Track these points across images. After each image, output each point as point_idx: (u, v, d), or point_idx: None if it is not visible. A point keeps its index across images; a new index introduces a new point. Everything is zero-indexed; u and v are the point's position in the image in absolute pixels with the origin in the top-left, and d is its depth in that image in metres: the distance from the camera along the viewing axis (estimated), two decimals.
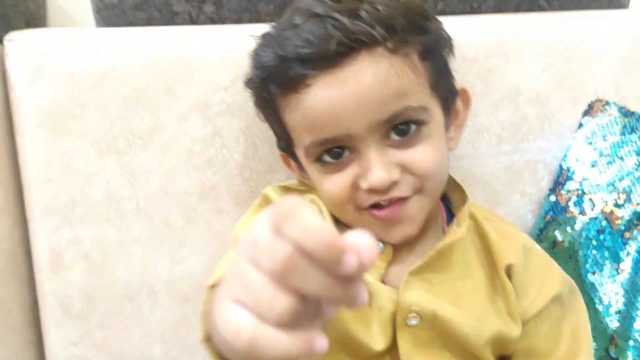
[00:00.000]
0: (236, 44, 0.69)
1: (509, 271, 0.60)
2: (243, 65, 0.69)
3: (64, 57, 0.68)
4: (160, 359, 0.75)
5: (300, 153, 0.58)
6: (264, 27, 0.72)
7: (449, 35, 0.59)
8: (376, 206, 0.55)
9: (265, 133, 0.71)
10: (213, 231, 0.73)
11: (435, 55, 0.56)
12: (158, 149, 0.71)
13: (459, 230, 0.58)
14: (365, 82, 0.50)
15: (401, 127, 0.53)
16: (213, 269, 0.73)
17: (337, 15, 0.50)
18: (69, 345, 0.73)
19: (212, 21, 0.74)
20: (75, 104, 0.69)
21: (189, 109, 0.70)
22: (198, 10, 0.73)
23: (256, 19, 0.74)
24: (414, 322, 0.56)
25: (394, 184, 0.53)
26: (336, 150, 0.54)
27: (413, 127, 0.53)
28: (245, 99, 0.70)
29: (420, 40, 0.53)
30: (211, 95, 0.70)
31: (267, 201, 0.63)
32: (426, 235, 0.61)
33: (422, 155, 0.54)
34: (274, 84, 0.54)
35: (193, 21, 0.74)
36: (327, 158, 0.55)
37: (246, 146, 0.72)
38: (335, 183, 0.55)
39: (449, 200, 0.64)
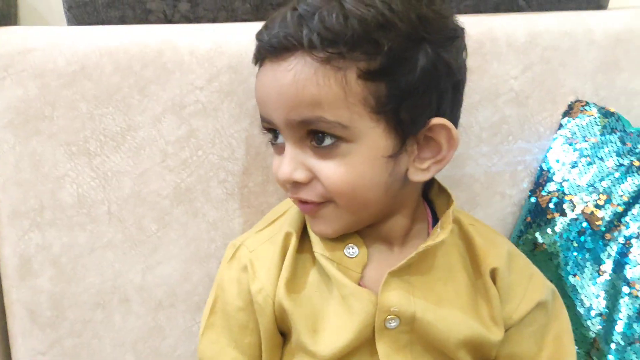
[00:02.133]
0: (212, 43, 0.68)
1: (493, 275, 0.59)
2: (219, 65, 0.69)
3: (34, 56, 0.66)
4: None
5: None
6: (239, 26, 0.71)
7: (441, 65, 0.53)
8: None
9: (241, 134, 0.70)
10: (188, 235, 0.71)
11: (391, 79, 0.51)
12: (131, 150, 0.69)
13: (442, 233, 0.57)
14: (285, 81, 0.51)
15: (318, 135, 0.53)
16: (188, 275, 0.72)
17: (289, 13, 0.51)
18: (38, 354, 0.71)
19: (187, 19, 0.73)
20: (45, 103, 0.67)
21: (163, 110, 0.69)
22: (173, 9, 0.72)
23: (232, 17, 0.73)
24: (393, 324, 0.55)
25: (299, 185, 0.55)
26: (274, 133, 0.57)
27: (328, 140, 0.52)
28: (221, 100, 0.69)
29: (367, 60, 0.50)
30: (186, 95, 0.69)
31: (237, 256, 0.62)
32: (409, 237, 0.60)
33: (331, 171, 0.53)
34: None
35: (168, 19, 0.72)
36: (271, 138, 0.58)
37: (222, 147, 0.70)
38: (275, 165, 0.58)
39: (435, 204, 0.63)
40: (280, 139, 0.56)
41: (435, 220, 0.61)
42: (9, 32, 0.69)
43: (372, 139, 0.53)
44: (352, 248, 0.58)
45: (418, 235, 0.61)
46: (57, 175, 0.68)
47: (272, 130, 0.57)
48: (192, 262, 0.72)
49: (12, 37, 0.68)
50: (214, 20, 0.73)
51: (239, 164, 0.71)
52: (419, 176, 0.56)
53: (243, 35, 0.69)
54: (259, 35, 0.55)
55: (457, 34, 0.56)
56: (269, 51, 0.53)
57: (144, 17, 0.72)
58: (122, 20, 0.72)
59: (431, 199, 0.63)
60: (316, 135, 0.53)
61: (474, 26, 0.73)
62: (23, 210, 0.68)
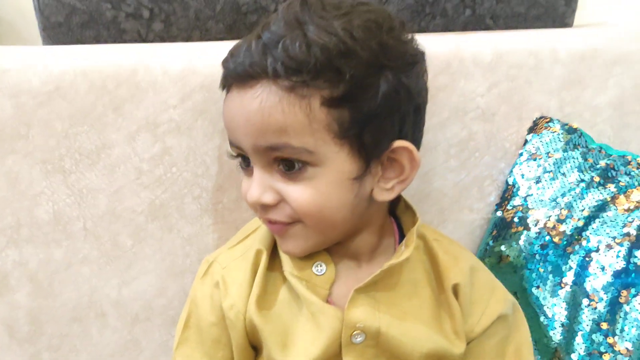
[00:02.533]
0: (185, 62, 0.69)
1: (455, 290, 0.61)
2: (192, 84, 0.70)
3: (9, 76, 0.67)
4: None
5: None
6: (212, 45, 0.73)
7: (402, 89, 0.54)
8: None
9: (215, 152, 0.72)
10: (163, 250, 0.73)
11: (353, 105, 0.52)
12: (106, 168, 0.70)
13: (406, 251, 0.59)
14: (252, 108, 0.53)
15: (285, 162, 0.54)
16: (163, 289, 0.73)
17: (254, 42, 0.53)
18: None
19: (161, 39, 0.74)
20: (20, 123, 0.68)
21: (137, 128, 0.70)
22: (147, 28, 0.73)
23: (206, 37, 0.74)
24: (359, 339, 0.57)
25: (269, 207, 0.56)
26: (242, 157, 0.58)
27: (297, 165, 0.54)
28: (194, 118, 0.70)
29: (330, 87, 0.51)
30: (160, 114, 0.70)
31: (210, 272, 0.64)
32: (376, 254, 0.62)
33: (298, 194, 0.55)
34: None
35: (142, 39, 0.74)
36: (241, 162, 0.59)
37: (196, 164, 0.72)
38: (244, 189, 0.59)
39: (401, 220, 0.65)
40: (249, 164, 0.57)
41: (402, 235, 0.63)
42: None
43: (337, 163, 0.54)
44: (320, 265, 0.60)
45: (385, 252, 0.63)
46: (33, 193, 0.69)
47: (240, 154, 0.58)
48: (167, 277, 0.73)
49: None
50: (187, 39, 0.74)
51: (212, 181, 0.72)
52: (383, 196, 0.58)
53: (216, 55, 0.69)
54: (225, 63, 0.56)
55: (417, 59, 0.57)
56: (234, 78, 0.55)
57: (119, 36, 0.73)
58: (97, 40, 0.73)
59: (398, 215, 0.65)
60: (283, 160, 0.54)
61: (442, 45, 0.75)
62: (0, 227, 0.69)
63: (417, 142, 0.59)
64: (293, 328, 0.59)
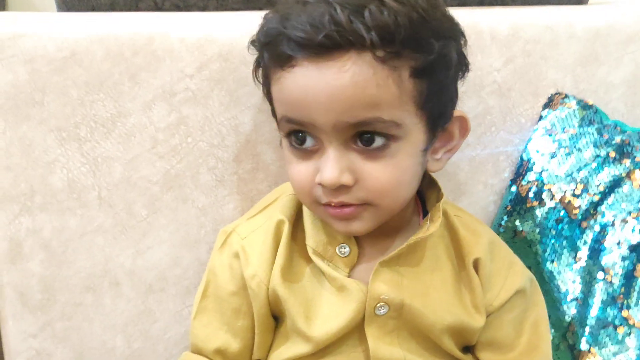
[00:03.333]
0: (203, 31, 0.69)
1: (476, 265, 0.62)
2: (209, 53, 0.69)
3: (24, 41, 0.66)
4: (122, 350, 0.74)
5: (278, 126, 0.58)
6: (230, 15, 0.72)
7: (462, 59, 0.57)
8: (330, 205, 0.55)
9: (231, 122, 0.71)
10: (178, 220, 0.72)
11: (432, 76, 0.53)
12: (121, 136, 0.70)
13: (432, 226, 0.59)
14: (342, 82, 0.49)
15: (366, 136, 0.52)
16: (178, 260, 0.73)
17: (338, 7, 0.48)
18: (28, 337, 0.71)
19: (178, 8, 0.73)
20: (35, 89, 0.67)
21: (154, 97, 0.69)
22: None
23: (222, 6, 0.74)
24: (382, 311, 0.58)
25: (344, 188, 0.53)
26: (301, 136, 0.54)
27: (379, 140, 0.52)
28: (211, 87, 0.70)
29: (418, 58, 0.51)
30: (176, 83, 0.69)
31: (229, 243, 0.63)
32: (400, 229, 0.62)
33: (379, 172, 0.53)
34: (267, 53, 0.54)
35: (158, 7, 0.73)
36: (294, 142, 0.55)
37: (211, 135, 0.71)
38: (299, 171, 0.55)
39: (424, 195, 0.65)
40: (309, 143, 0.54)
41: (424, 210, 0.64)
42: None
43: (415, 135, 0.54)
44: (344, 248, 0.60)
45: (408, 227, 0.63)
46: (47, 161, 0.69)
47: (296, 133, 0.55)
48: (182, 247, 0.73)
49: (2, 23, 0.68)
50: (203, 9, 0.73)
51: (228, 151, 0.72)
52: (435, 166, 0.59)
53: (234, 24, 0.70)
54: (284, 32, 0.50)
55: (462, 30, 0.58)
56: (310, 50, 0.49)
57: (134, 4, 0.72)
58: (112, 8, 0.72)
59: (421, 189, 0.65)
60: (364, 136, 0.52)
61: (460, 19, 0.74)
62: (13, 195, 0.69)
63: None
64: (316, 300, 0.59)
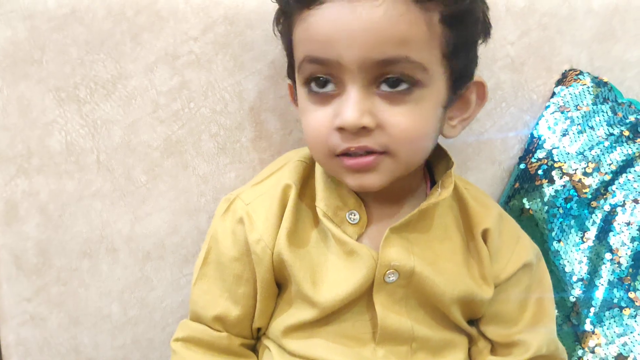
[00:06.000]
0: None
1: (484, 236, 0.61)
2: (214, 15, 0.67)
3: None
4: (118, 317, 0.73)
5: (297, 75, 0.56)
6: None
7: (486, 21, 0.58)
8: (347, 154, 0.53)
9: (235, 88, 0.69)
10: (178, 187, 0.71)
11: (460, 26, 0.52)
12: (122, 99, 0.68)
13: (445, 192, 0.58)
14: (374, 16, 0.48)
15: (392, 79, 0.51)
16: (177, 227, 0.72)
17: None
18: (23, 301, 0.70)
19: None
20: (34, 47, 0.65)
21: (156, 59, 0.67)
22: None
23: None
24: (392, 278, 0.57)
25: (365, 131, 0.51)
26: (323, 80, 0.53)
27: (404, 85, 0.51)
28: (215, 51, 0.68)
29: (449, 4, 0.51)
30: (180, 45, 0.67)
31: (232, 209, 0.61)
32: (408, 196, 0.61)
33: (403, 118, 0.51)
34: None
35: None
36: (314, 87, 0.54)
37: (214, 101, 0.69)
38: (316, 117, 0.54)
39: (432, 165, 0.64)
40: (329, 87, 0.53)
41: (432, 180, 0.62)
42: None
43: (439, 86, 0.53)
44: (354, 215, 0.59)
45: (416, 195, 0.61)
46: (45, 121, 0.67)
47: (316, 78, 0.53)
48: (181, 215, 0.71)
49: None
50: None
51: (231, 118, 0.70)
52: (450, 132, 0.58)
53: None
54: None
55: None
56: None
57: None
58: None
59: (430, 161, 0.63)
60: (390, 80, 0.51)
61: None
62: (10, 156, 0.67)
63: None
64: (323, 265, 0.58)
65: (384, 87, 0.51)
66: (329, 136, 0.53)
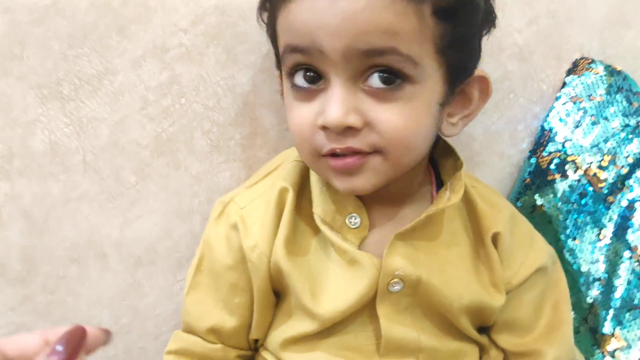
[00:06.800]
0: None
1: (495, 240, 0.57)
2: (205, 5, 0.64)
3: None
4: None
5: (282, 67, 0.52)
6: None
7: (490, 11, 0.53)
8: (335, 155, 0.49)
9: (228, 82, 0.65)
10: (169, 188, 0.67)
11: (456, 20, 0.48)
12: (108, 96, 0.64)
13: (454, 196, 0.54)
14: (356, 7, 0.44)
15: (385, 75, 0.47)
16: (169, 231, 0.68)
17: None
18: (7, 311, 0.67)
19: None
20: (14, 41, 0.61)
21: (144, 52, 0.64)
22: None
23: None
24: (396, 287, 0.54)
25: (351, 131, 0.47)
26: (310, 75, 0.49)
27: (393, 81, 0.47)
28: (206, 44, 0.64)
29: None
30: (169, 37, 0.64)
31: (226, 213, 0.58)
32: (412, 199, 0.57)
33: (393, 115, 0.47)
34: None
35: None
36: (299, 81, 0.49)
37: (206, 96, 0.65)
38: (300, 114, 0.50)
39: (439, 164, 0.60)
40: (313, 83, 0.49)
41: (439, 182, 0.58)
42: None
43: (433, 82, 0.49)
44: (355, 218, 0.55)
45: (421, 198, 0.58)
46: (27, 120, 0.63)
47: (300, 70, 0.49)
48: (173, 218, 0.68)
49: None
50: None
51: (224, 114, 0.66)
52: (449, 131, 0.54)
53: None
54: None
55: None
56: None
57: None
58: None
59: (435, 159, 0.59)
60: (381, 75, 0.47)
61: None
62: None
63: None
64: (323, 275, 0.54)
65: (372, 82, 0.47)
66: (314, 135, 0.49)
